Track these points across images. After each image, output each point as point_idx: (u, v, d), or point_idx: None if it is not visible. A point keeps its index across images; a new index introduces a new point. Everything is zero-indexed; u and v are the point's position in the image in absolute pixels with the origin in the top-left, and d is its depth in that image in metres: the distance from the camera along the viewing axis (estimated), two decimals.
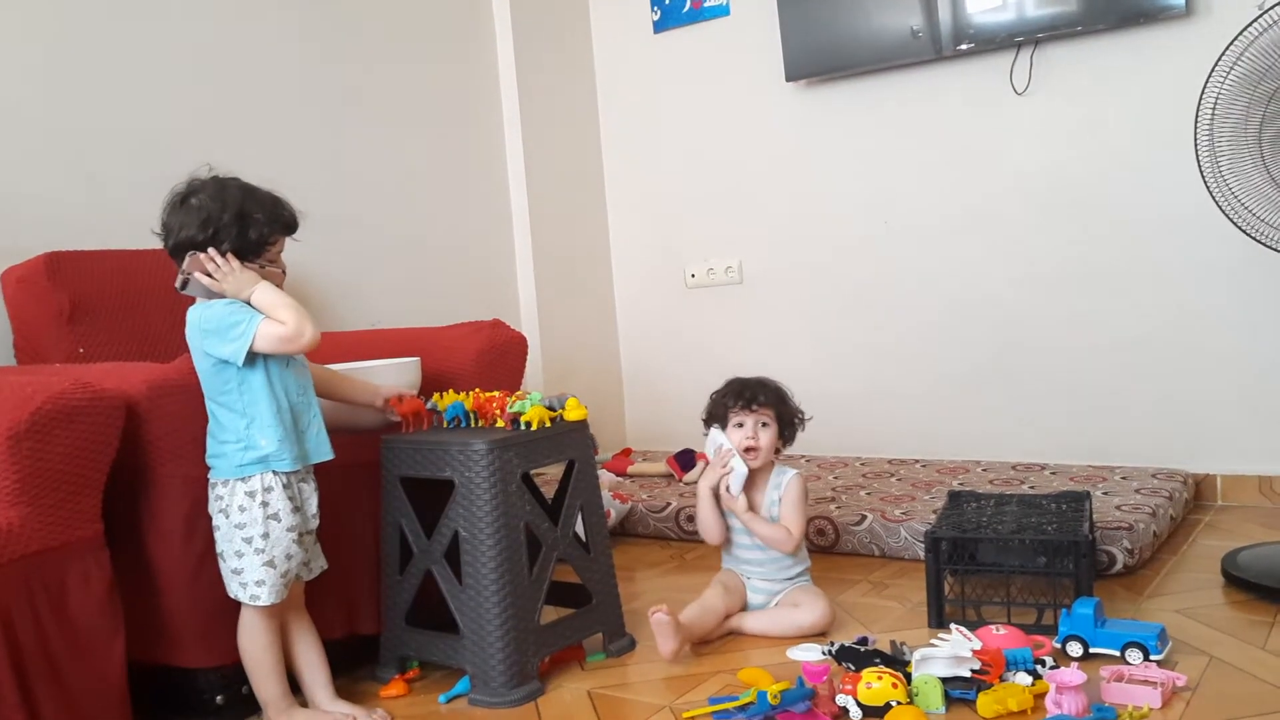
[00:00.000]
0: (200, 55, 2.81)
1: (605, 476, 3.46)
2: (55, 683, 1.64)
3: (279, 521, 1.78)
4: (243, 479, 1.76)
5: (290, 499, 1.79)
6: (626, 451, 3.77)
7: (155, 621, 1.85)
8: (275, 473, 1.77)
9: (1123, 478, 2.89)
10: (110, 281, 2.32)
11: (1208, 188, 2.28)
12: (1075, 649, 1.89)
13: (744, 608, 2.25)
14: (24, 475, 1.63)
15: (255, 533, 1.76)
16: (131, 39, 2.66)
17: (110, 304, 2.30)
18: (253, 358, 1.74)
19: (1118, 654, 1.86)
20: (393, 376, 2.20)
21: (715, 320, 3.82)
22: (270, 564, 1.77)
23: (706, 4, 3.73)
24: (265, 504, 1.77)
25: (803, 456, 3.45)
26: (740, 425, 2.23)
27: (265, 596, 1.77)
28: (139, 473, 1.83)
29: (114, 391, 1.74)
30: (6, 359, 2.32)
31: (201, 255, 1.74)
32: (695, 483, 3.28)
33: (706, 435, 2.28)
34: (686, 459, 3.43)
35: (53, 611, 1.66)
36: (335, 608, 2.05)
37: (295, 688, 1.90)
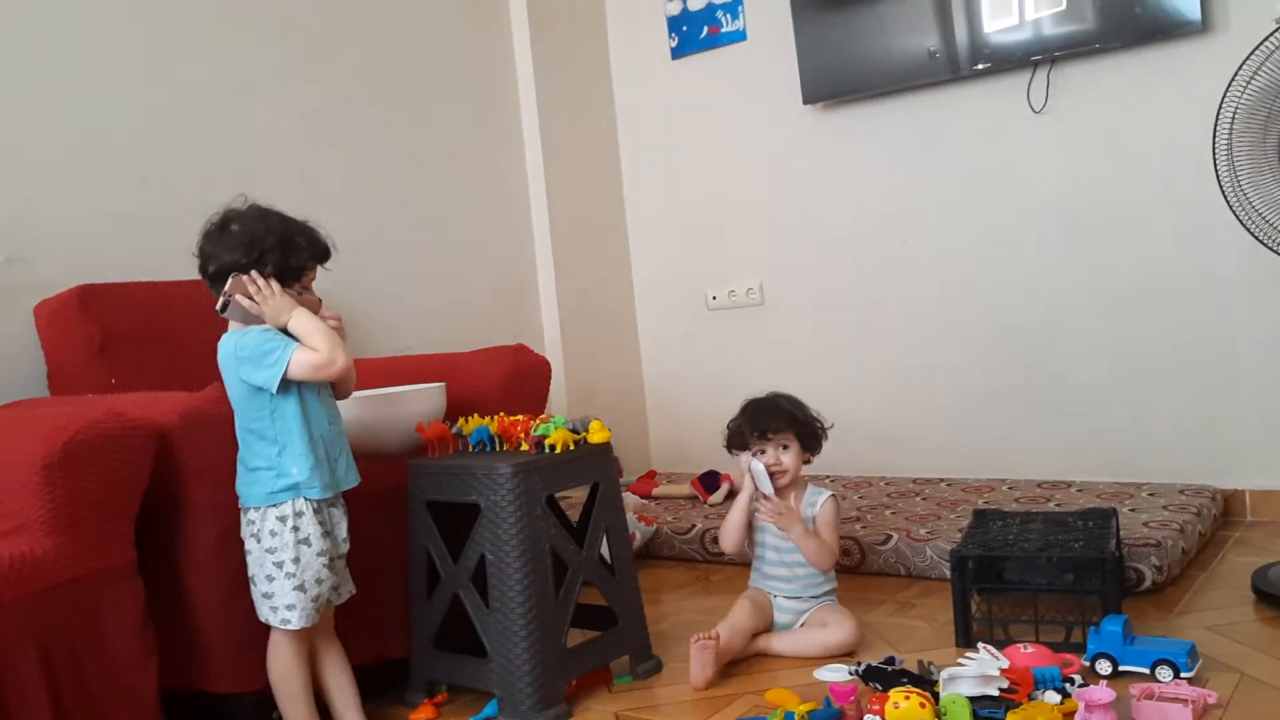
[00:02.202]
0: (230, 91, 2.86)
1: (630, 499, 3.47)
2: (90, 708, 1.66)
3: (310, 546, 1.80)
4: (274, 505, 1.79)
5: (321, 524, 1.81)
6: (651, 474, 3.78)
7: (189, 647, 1.88)
8: (306, 499, 1.80)
9: (1150, 494, 2.87)
10: (141, 313, 2.36)
11: (1228, 202, 2.28)
12: (1104, 667, 1.88)
13: (770, 626, 2.25)
14: (58, 504, 1.66)
15: (286, 557, 1.78)
16: (163, 74, 2.71)
17: (141, 335, 2.34)
18: (287, 385, 1.76)
19: (1147, 671, 1.85)
20: (419, 402, 2.23)
21: (737, 342, 3.84)
22: (301, 588, 1.79)
23: (724, 30, 3.76)
24: (296, 529, 1.79)
25: (827, 476, 3.45)
26: (762, 452, 2.25)
27: (296, 620, 1.79)
28: (171, 501, 1.86)
29: (146, 421, 1.78)
30: (40, 390, 2.36)
31: (244, 278, 1.77)
32: (720, 504, 3.30)
33: (737, 457, 2.32)
34: (711, 480, 3.44)
35: (87, 638, 1.68)
36: (364, 632, 2.07)
37: (326, 713, 1.91)
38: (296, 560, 1.79)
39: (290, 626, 1.80)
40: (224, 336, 1.82)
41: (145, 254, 2.52)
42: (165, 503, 1.86)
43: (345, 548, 1.88)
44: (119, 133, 2.61)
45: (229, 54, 2.88)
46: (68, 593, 1.66)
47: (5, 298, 2.35)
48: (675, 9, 3.85)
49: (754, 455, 2.26)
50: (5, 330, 2.35)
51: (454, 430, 2.16)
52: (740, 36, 3.73)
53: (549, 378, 2.60)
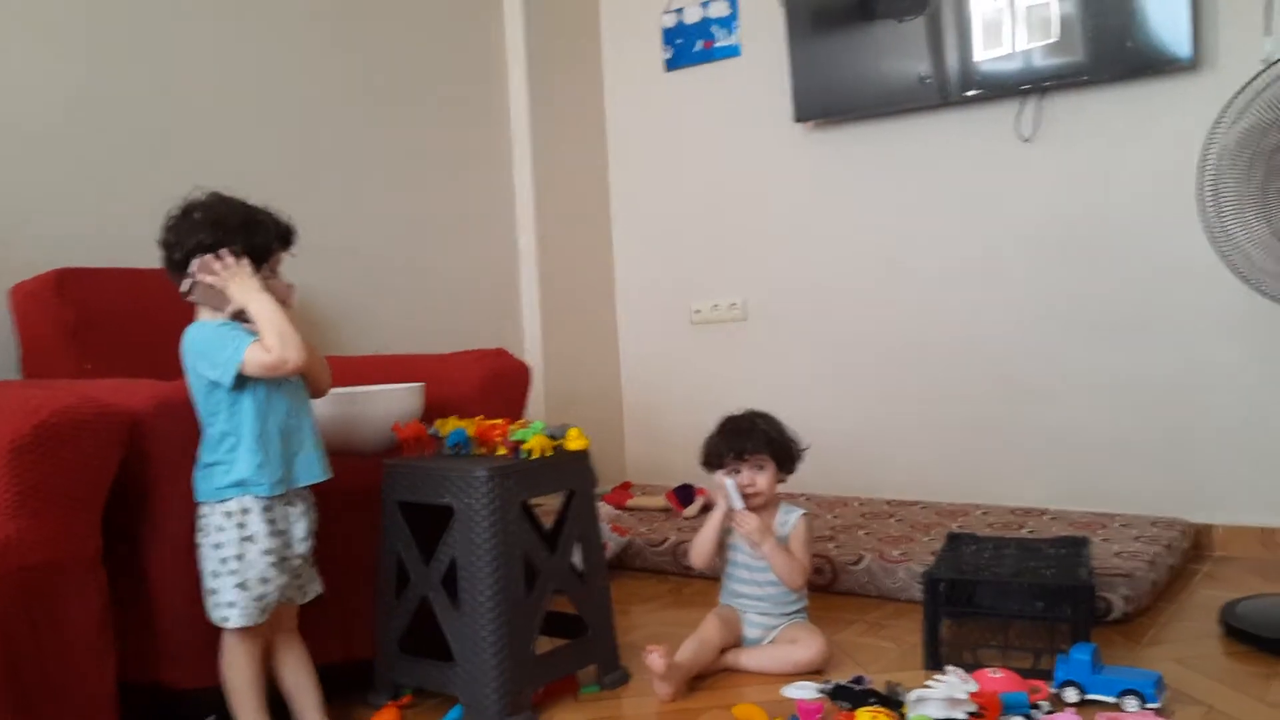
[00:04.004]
0: (217, 82, 2.85)
1: (604, 509, 3.45)
2: (47, 695, 1.63)
3: (255, 544, 1.76)
4: (221, 501, 1.76)
5: (270, 522, 1.77)
6: (626, 485, 3.77)
7: (150, 640, 1.85)
8: (255, 496, 1.76)
9: (1122, 525, 2.88)
10: (118, 299, 2.34)
11: (1211, 238, 2.29)
12: (1071, 695, 1.88)
13: (739, 642, 2.24)
14: (25, 488, 1.63)
15: (230, 554, 1.75)
16: (150, 63, 2.69)
17: (118, 321, 2.31)
18: (243, 380, 1.74)
19: (1114, 701, 1.85)
20: (396, 401, 2.21)
21: (718, 356, 3.83)
22: (242, 586, 1.76)
23: (718, 44, 3.77)
24: (242, 525, 1.75)
25: (802, 495, 3.44)
26: (738, 472, 2.25)
27: (234, 619, 1.76)
28: (140, 490, 1.84)
29: (119, 407, 1.75)
30: (12, 373, 2.33)
31: (209, 257, 1.75)
32: (694, 517, 3.29)
33: (713, 475, 2.31)
34: (686, 494, 3.43)
35: (47, 625, 1.65)
36: (330, 632, 2.04)
37: (287, 712, 1.89)
38: (240, 557, 1.75)
39: (229, 624, 1.76)
40: (186, 330, 1.79)
41: (125, 240, 2.48)
42: (134, 492, 1.83)
43: (303, 547, 1.84)
44: (105, 118, 2.59)
45: (218, 47, 2.86)
46: (29, 578, 1.63)
47: None
48: (671, 21, 3.86)
49: (728, 474, 2.26)
50: None
51: (430, 431, 2.15)
52: (734, 51, 3.74)
53: (528, 383, 2.59)
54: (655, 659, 2.01)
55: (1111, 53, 3.01)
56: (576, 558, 2.13)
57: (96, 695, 1.71)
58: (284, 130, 3.01)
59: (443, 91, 3.54)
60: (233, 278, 1.75)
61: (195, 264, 1.75)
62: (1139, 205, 3.05)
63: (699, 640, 2.16)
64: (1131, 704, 1.83)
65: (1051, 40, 3.08)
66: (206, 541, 1.77)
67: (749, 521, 2.22)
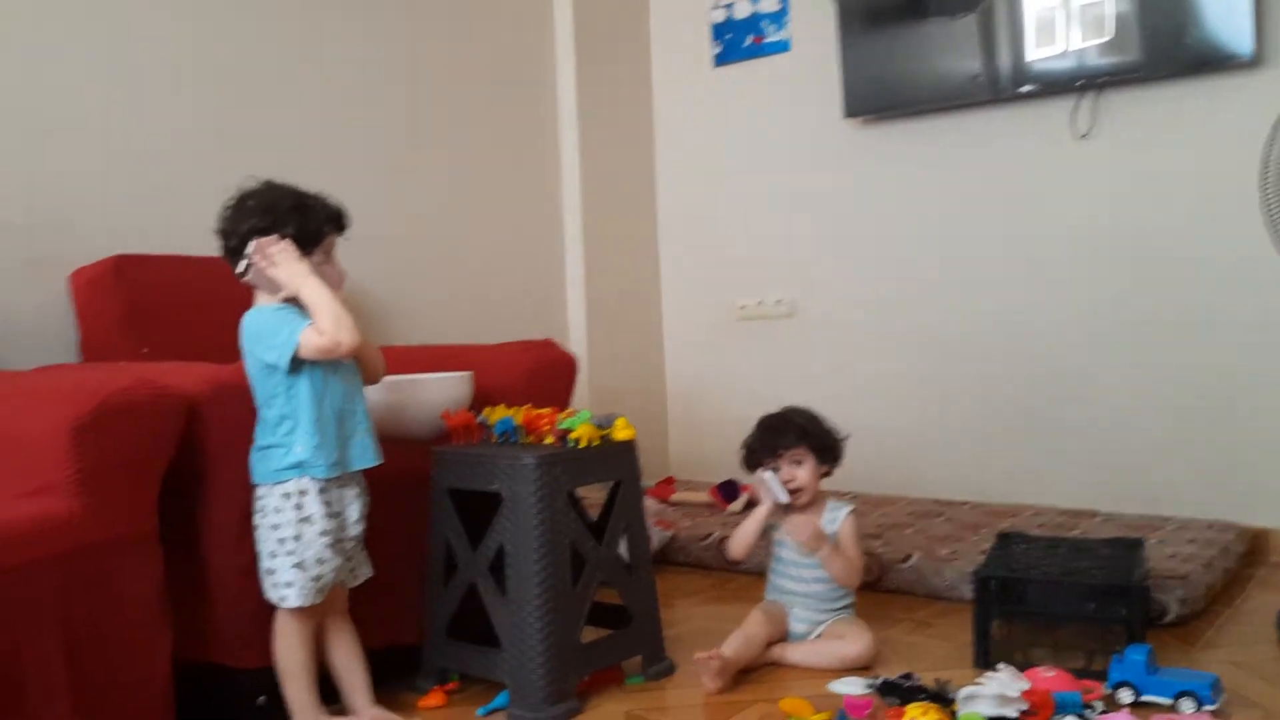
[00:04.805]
0: (271, 71, 2.88)
1: (648, 503, 3.45)
2: (103, 674, 1.66)
3: (312, 525, 1.79)
4: (279, 483, 1.78)
5: (326, 504, 1.80)
6: (669, 480, 3.76)
7: (203, 620, 1.87)
8: (312, 478, 1.79)
9: (1176, 528, 2.83)
10: (175, 285, 2.38)
11: (1273, 238, 2.25)
12: (1126, 695, 1.85)
13: (785, 637, 2.23)
14: (85, 466, 1.66)
15: (288, 534, 1.78)
16: (205, 56, 2.73)
17: (174, 307, 2.35)
18: (299, 363, 1.76)
19: (1170, 702, 1.82)
20: (445, 389, 2.22)
21: (763, 352, 3.82)
22: (300, 566, 1.78)
23: (768, 39, 3.76)
24: (299, 506, 1.78)
25: (849, 493, 3.42)
26: (777, 470, 2.24)
27: (292, 598, 1.78)
28: (196, 471, 1.86)
29: (176, 389, 1.78)
30: (71, 357, 2.37)
31: (263, 240, 1.78)
32: (738, 513, 3.28)
33: (755, 475, 2.30)
34: (730, 490, 3.42)
35: (105, 603, 1.68)
36: (377, 616, 2.05)
37: (336, 693, 1.91)
38: (298, 538, 1.78)
39: (287, 604, 1.79)
40: (244, 315, 1.82)
41: (183, 228, 2.51)
42: (190, 474, 1.85)
43: (357, 530, 1.87)
44: (162, 107, 2.64)
45: (270, 32, 2.90)
46: (89, 556, 1.66)
47: (41, 265, 2.37)
48: (720, 16, 3.86)
49: (768, 469, 2.25)
50: (40, 297, 2.37)
51: (479, 419, 2.16)
52: (784, 47, 3.73)
53: (575, 374, 2.60)
54: (709, 661, 2.01)
55: (1169, 50, 2.96)
56: (623, 548, 2.13)
57: (152, 673, 1.74)
58: (333, 119, 3.04)
59: (492, 85, 3.56)
60: (284, 262, 1.78)
61: (251, 246, 1.78)
62: (1196, 204, 3.00)
63: (744, 635, 2.15)
64: (1188, 706, 1.80)
65: (1106, 38, 3.03)
66: (264, 523, 1.80)
67: (804, 530, 2.19)
